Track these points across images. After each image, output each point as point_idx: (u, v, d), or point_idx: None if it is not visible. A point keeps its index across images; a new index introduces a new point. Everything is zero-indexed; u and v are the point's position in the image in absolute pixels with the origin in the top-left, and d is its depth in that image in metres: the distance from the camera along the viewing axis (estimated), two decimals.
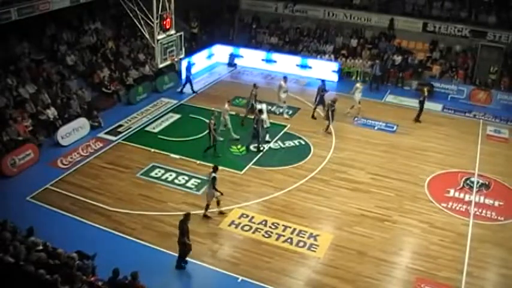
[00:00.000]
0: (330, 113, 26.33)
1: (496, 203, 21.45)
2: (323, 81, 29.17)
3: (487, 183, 22.89)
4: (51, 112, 25.56)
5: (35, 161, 23.03)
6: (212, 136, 23.82)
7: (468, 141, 26.32)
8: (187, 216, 16.65)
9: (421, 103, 28.38)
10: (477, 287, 16.80)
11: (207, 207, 19.65)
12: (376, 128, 26.69)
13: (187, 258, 17.05)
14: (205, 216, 19.74)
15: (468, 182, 22.99)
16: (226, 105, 25.95)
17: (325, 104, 27.54)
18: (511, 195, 22.15)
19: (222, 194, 19.54)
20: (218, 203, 19.78)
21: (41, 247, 14.62)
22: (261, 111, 25.31)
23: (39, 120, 25.13)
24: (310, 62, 35.89)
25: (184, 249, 16.78)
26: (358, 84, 28.80)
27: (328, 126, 26.51)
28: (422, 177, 22.96)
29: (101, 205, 20.14)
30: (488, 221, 20.30)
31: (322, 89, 28.42)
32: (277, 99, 28.75)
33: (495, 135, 27.81)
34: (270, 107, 29.43)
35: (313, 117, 28.43)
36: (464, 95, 32.87)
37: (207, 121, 26.47)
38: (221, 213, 19.97)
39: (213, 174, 19.14)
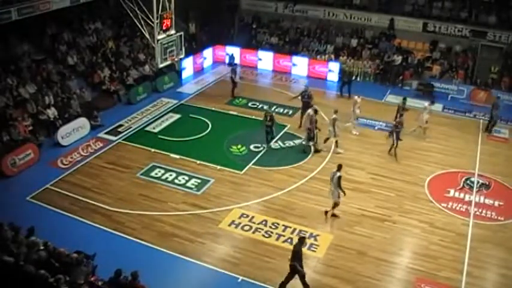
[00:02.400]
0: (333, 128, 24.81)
1: (496, 203, 21.45)
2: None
3: (487, 183, 22.88)
4: (52, 112, 25.58)
5: (35, 160, 23.03)
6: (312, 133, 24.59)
7: (468, 141, 26.31)
8: (302, 240, 16.08)
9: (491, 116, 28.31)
10: (477, 287, 16.79)
11: (334, 206, 19.88)
12: (376, 127, 26.68)
13: None
14: (333, 215, 20.02)
15: (468, 182, 22.99)
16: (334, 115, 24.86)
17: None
18: (511, 195, 22.15)
19: (345, 194, 19.72)
20: (334, 206, 19.94)
21: (41, 247, 14.62)
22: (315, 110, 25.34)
23: (39, 120, 25.13)
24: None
25: (293, 275, 15.88)
26: (426, 104, 26.98)
27: (327, 139, 25.38)
28: (422, 177, 22.96)
29: (101, 205, 20.14)
30: (489, 221, 20.29)
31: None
32: (352, 115, 26.99)
33: (495, 135, 27.79)
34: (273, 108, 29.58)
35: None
36: (465, 95, 32.89)
37: (208, 121, 26.65)
38: (334, 215, 20.06)
39: (338, 174, 19.31)
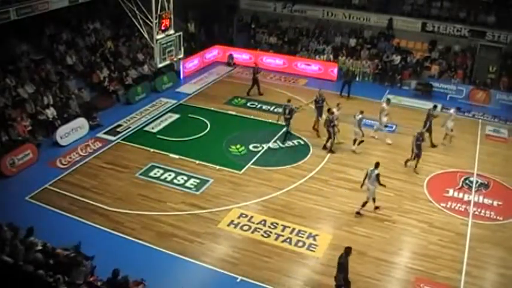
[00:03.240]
0: (331, 129, 24.81)
1: (495, 203, 21.46)
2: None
3: (486, 183, 22.90)
4: (51, 112, 25.55)
5: (34, 161, 23.01)
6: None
7: (467, 141, 26.31)
8: (348, 250, 15.54)
9: None
10: (476, 286, 16.80)
11: (374, 201, 20.21)
12: (375, 127, 26.67)
13: None
14: (376, 207, 20.35)
15: (467, 181, 23.00)
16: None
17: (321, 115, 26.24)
18: (510, 195, 22.17)
19: (385, 186, 20.35)
20: (374, 201, 20.24)
21: (40, 247, 14.63)
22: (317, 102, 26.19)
23: (38, 120, 25.10)
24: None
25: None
26: (452, 111, 26.09)
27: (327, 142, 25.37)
28: (421, 177, 22.97)
29: (100, 205, 20.13)
30: (487, 221, 20.31)
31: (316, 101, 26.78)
32: (379, 122, 26.37)
33: (494, 135, 27.84)
34: (269, 107, 29.62)
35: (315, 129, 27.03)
36: (463, 95, 32.94)
37: (207, 121, 26.64)
38: (376, 208, 20.44)
39: (376, 171, 19.62)
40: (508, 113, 30.82)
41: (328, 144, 25.07)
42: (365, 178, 19.97)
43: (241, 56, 37.56)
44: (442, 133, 25.92)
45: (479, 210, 20.95)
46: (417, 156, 23.22)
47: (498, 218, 20.53)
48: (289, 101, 26.41)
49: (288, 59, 36.53)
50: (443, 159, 24.55)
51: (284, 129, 25.93)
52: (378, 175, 19.65)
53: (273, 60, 36.55)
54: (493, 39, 34.33)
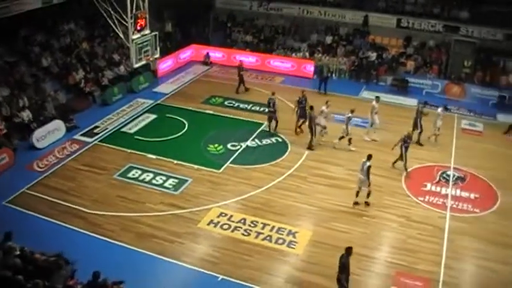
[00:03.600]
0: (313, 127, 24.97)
1: (472, 196, 21.71)
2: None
3: (462, 176, 23.14)
4: (26, 115, 25.29)
5: (10, 165, 22.72)
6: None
7: (444, 135, 26.49)
8: (349, 250, 15.46)
9: None
10: (455, 279, 16.97)
11: (369, 194, 20.62)
12: (352, 123, 26.76)
13: None
14: (366, 203, 20.70)
15: (444, 175, 23.23)
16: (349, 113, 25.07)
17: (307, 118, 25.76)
18: (486, 187, 22.44)
19: (369, 184, 20.39)
20: (368, 195, 20.63)
21: (18, 252, 14.47)
22: (300, 102, 26.07)
23: (13, 123, 24.82)
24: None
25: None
26: (439, 110, 25.88)
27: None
28: (398, 172, 23.12)
29: (79, 207, 19.95)
30: (465, 214, 20.54)
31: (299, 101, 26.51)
32: (370, 121, 26.31)
33: (470, 129, 28.17)
34: (246, 106, 29.63)
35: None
36: (439, 90, 33.29)
37: (184, 121, 26.58)
38: (356, 204, 20.75)
39: (368, 163, 20.02)
40: (483, 106, 31.24)
41: (309, 141, 25.17)
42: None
43: (215, 54, 37.69)
44: (428, 131, 26.06)
45: (456, 203, 21.18)
46: (404, 158, 22.94)
47: (475, 210, 20.77)
48: (273, 93, 26.62)
49: (262, 57, 36.61)
50: (420, 153, 24.74)
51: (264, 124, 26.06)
52: (369, 167, 20.04)
53: (246, 58, 36.38)
54: (467, 34, 34.73)
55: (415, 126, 25.74)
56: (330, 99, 26.85)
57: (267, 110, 26.64)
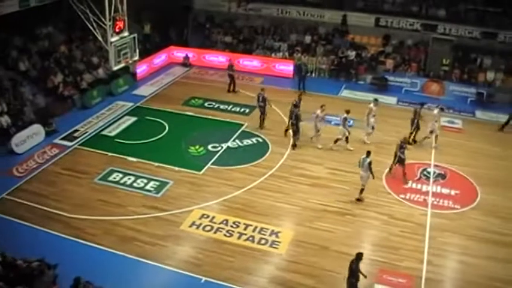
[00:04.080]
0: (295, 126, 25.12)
1: (453, 192, 21.90)
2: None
3: (443, 173, 23.33)
4: (5, 119, 24.99)
5: None
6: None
7: (424, 133, 26.65)
8: (359, 255, 15.51)
9: None
10: (438, 275, 17.11)
11: (362, 191, 20.91)
12: (332, 123, 26.85)
13: None
14: (358, 199, 20.96)
15: (425, 172, 23.41)
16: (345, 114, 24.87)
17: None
18: (467, 184, 22.65)
19: (374, 177, 20.83)
20: (361, 191, 20.97)
21: None
22: (296, 105, 25.65)
23: None
24: None
25: None
26: (435, 112, 25.79)
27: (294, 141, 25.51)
28: (380, 170, 23.20)
29: (60, 212, 19.77)
30: (446, 210, 20.71)
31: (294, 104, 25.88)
32: (366, 124, 25.86)
33: (449, 126, 28.38)
34: (226, 107, 29.62)
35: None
36: (418, 87, 33.56)
37: (164, 123, 26.52)
38: (359, 200, 21.04)
39: (368, 159, 20.40)
40: (462, 104, 31.54)
41: (293, 140, 25.44)
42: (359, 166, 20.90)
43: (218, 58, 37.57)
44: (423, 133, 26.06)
45: (437, 200, 21.35)
46: (400, 162, 22.51)
47: (456, 206, 20.95)
48: (262, 89, 27.07)
49: (233, 56, 36.43)
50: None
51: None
52: (370, 163, 20.42)
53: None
54: (445, 33, 35.07)
55: (412, 126, 25.78)
56: (303, 99, 26.93)
57: (257, 105, 27.33)
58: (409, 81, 33.81)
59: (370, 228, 19.51)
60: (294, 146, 25.25)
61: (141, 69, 34.46)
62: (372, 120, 25.67)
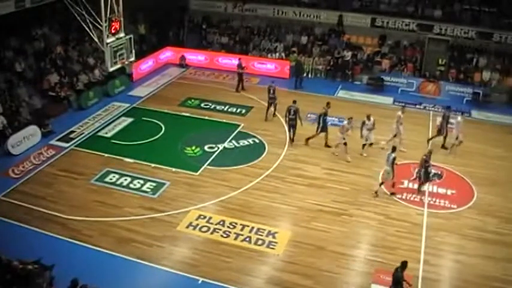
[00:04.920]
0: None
1: (449, 192, 21.94)
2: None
3: (439, 173, 23.33)
4: (1, 121, 24.95)
5: None
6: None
7: (420, 133, 26.74)
8: (404, 264, 15.30)
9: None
10: (435, 274, 17.13)
11: (381, 184, 21.64)
12: (329, 123, 26.83)
13: None
14: (376, 192, 21.46)
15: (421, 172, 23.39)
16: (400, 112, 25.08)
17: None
18: (463, 183, 22.69)
19: (393, 176, 21.18)
20: (394, 185, 21.58)
21: None
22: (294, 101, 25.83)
23: None
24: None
25: None
26: (459, 118, 25.27)
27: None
28: (376, 170, 23.24)
29: (56, 213, 19.74)
30: (442, 210, 20.74)
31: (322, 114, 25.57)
32: (395, 131, 25.11)
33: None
34: (223, 107, 29.63)
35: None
36: (414, 88, 33.63)
37: (161, 124, 26.52)
38: (392, 194, 21.56)
39: (393, 155, 20.89)
40: (458, 103, 31.53)
41: (292, 136, 25.82)
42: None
43: (197, 57, 37.82)
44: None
45: (433, 199, 21.38)
46: (426, 181, 21.81)
47: (452, 206, 20.99)
48: (273, 82, 27.74)
49: (210, 55, 37.02)
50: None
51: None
52: (394, 158, 20.86)
53: (229, 61, 36.78)
54: (441, 33, 35.17)
55: (439, 132, 25.65)
56: (300, 98, 27.00)
57: (268, 97, 28.21)
58: (405, 81, 33.88)
59: (367, 228, 19.53)
60: (292, 140, 25.61)
61: (142, 67, 34.73)
62: (401, 128, 25.05)
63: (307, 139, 25.63)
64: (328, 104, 25.79)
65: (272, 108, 28.29)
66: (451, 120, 25.63)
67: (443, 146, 25.67)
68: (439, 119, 25.90)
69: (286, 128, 26.20)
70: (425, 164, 21.47)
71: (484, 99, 31.99)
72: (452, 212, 20.67)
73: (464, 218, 20.29)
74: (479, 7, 35.11)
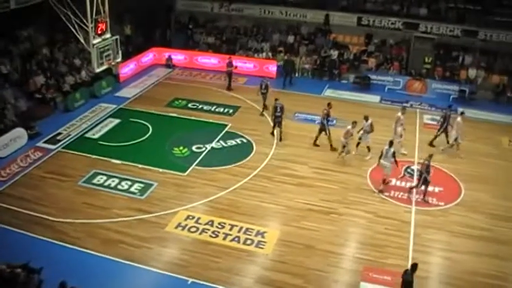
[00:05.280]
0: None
1: (436, 189, 22.03)
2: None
3: None
4: None
5: None
6: None
7: (407, 131, 26.71)
8: (414, 266, 15.19)
9: None
10: (423, 271, 17.12)
11: (384, 181, 21.94)
12: (316, 122, 26.89)
13: None
14: (380, 191, 21.78)
15: (409, 170, 23.54)
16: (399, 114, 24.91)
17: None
18: (450, 181, 22.82)
19: (397, 166, 22.01)
20: (384, 181, 21.89)
21: None
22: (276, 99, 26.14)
23: None
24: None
25: None
26: (459, 119, 24.77)
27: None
28: (364, 169, 23.34)
29: (44, 216, 19.59)
30: (430, 207, 20.85)
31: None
32: (394, 133, 24.62)
33: (432, 124, 28.49)
34: (210, 107, 29.59)
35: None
36: (401, 86, 33.78)
37: (148, 125, 26.43)
38: (381, 191, 21.76)
39: (392, 150, 21.43)
40: (444, 101, 31.69)
41: (275, 132, 26.09)
42: (380, 157, 21.72)
43: (183, 57, 37.74)
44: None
45: (421, 197, 21.44)
46: (425, 184, 21.17)
47: (440, 203, 21.10)
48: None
49: (190, 54, 37.14)
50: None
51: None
52: (394, 153, 21.39)
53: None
54: (426, 31, 35.35)
55: (443, 131, 25.59)
56: (287, 98, 27.14)
57: (260, 92, 28.81)
58: (391, 79, 34.03)
59: (355, 227, 19.59)
60: (273, 134, 26.04)
61: (129, 67, 34.65)
62: (399, 129, 24.66)
63: (315, 141, 25.53)
64: (329, 104, 25.79)
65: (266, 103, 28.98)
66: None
67: (431, 144, 25.75)
68: (438, 118, 26.03)
69: (272, 125, 26.35)
70: (426, 168, 21.00)
71: (470, 97, 32.18)
72: (440, 209, 20.79)
73: (452, 215, 20.41)
74: (464, 5, 35.36)
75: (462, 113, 25.43)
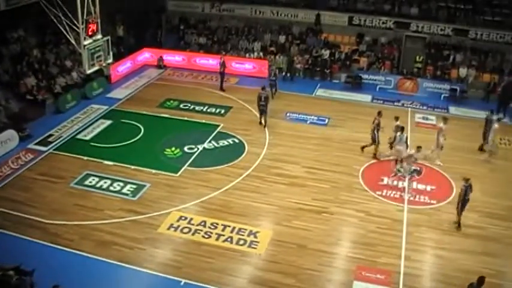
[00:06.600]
0: None
1: (428, 188, 22.12)
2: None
3: (418, 169, 23.49)
4: None
5: None
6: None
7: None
8: (481, 280, 14.56)
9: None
10: (416, 269, 17.26)
11: (396, 161, 23.30)
12: (308, 121, 26.97)
13: None
14: (398, 170, 22.93)
15: (398, 167, 23.56)
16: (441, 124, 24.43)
17: None
18: (442, 179, 22.89)
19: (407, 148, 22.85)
20: (396, 161, 23.28)
21: None
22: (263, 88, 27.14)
23: None
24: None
25: None
26: (496, 125, 24.47)
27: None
28: (356, 168, 23.40)
29: (36, 218, 19.55)
30: (422, 206, 20.91)
31: None
32: (436, 145, 24.06)
33: (423, 122, 28.66)
34: (202, 108, 29.57)
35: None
36: (392, 85, 33.80)
37: (140, 125, 26.40)
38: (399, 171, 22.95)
39: (405, 135, 23.28)
40: (436, 100, 31.86)
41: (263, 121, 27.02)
42: (392, 142, 23.48)
43: (175, 57, 37.59)
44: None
45: (413, 195, 21.52)
46: (464, 205, 19.52)
47: (432, 202, 21.17)
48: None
49: (188, 55, 37.18)
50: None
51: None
52: (407, 137, 23.25)
53: (206, 61, 36.77)
54: (417, 30, 35.52)
55: (484, 139, 25.25)
56: (278, 98, 27.04)
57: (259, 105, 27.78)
58: (383, 78, 34.08)
59: (347, 226, 19.63)
60: (261, 123, 27.11)
61: (120, 68, 34.55)
62: (441, 139, 23.96)
63: (364, 147, 24.91)
64: (379, 113, 24.70)
65: (273, 90, 30.59)
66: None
67: (481, 149, 25.43)
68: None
69: (258, 114, 27.16)
70: (464, 195, 19.28)
71: (461, 96, 32.27)
72: (432, 207, 20.85)
73: (444, 213, 20.46)
74: (455, 4, 35.59)
75: (499, 119, 25.50)
